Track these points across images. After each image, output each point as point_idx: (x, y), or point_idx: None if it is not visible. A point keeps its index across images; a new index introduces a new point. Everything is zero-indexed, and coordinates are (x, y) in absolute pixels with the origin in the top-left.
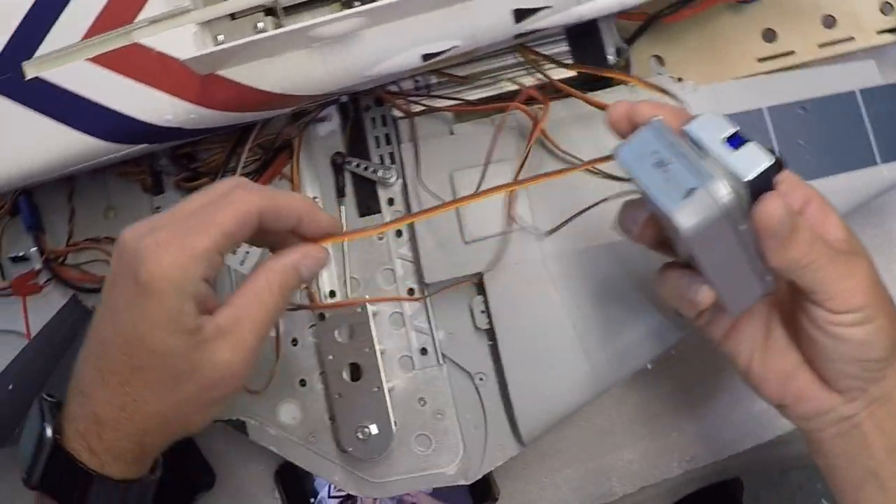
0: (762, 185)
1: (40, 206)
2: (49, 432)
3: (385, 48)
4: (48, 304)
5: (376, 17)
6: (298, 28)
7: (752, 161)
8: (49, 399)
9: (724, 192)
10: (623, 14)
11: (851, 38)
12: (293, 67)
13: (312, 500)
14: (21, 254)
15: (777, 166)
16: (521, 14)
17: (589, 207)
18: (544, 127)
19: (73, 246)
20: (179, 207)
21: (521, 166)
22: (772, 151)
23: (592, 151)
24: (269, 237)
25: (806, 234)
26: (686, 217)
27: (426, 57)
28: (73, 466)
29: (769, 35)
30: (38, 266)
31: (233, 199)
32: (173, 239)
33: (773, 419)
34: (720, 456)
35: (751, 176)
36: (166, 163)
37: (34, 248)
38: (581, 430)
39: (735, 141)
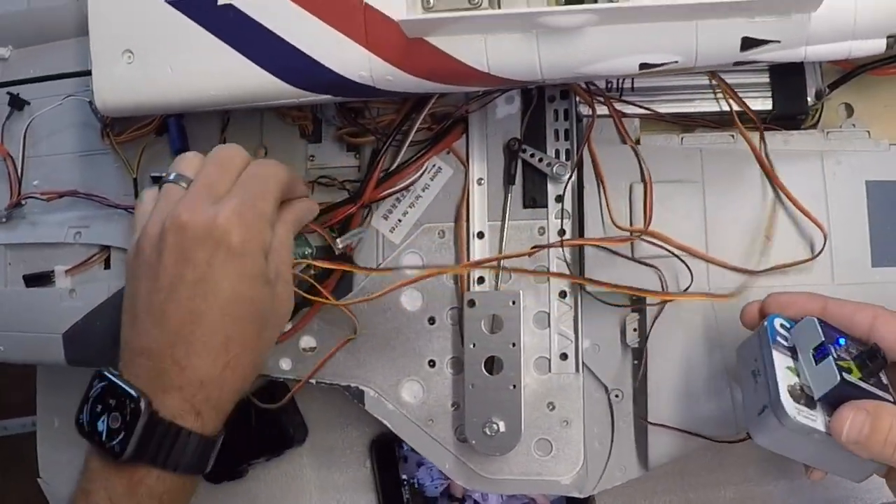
0: (838, 397)
1: (189, 131)
2: (143, 404)
3: (607, 50)
4: None
5: (610, 17)
6: (526, 13)
7: (825, 379)
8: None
9: (789, 413)
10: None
11: None
12: (506, 49)
13: (405, 477)
14: (162, 174)
15: (845, 386)
16: (748, 43)
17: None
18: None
19: None
20: (215, 179)
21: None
22: (862, 356)
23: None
24: None
25: (880, 435)
26: (757, 433)
27: (643, 66)
28: (173, 430)
29: None
30: None
31: (273, 173)
32: (246, 208)
33: None
34: None
35: (819, 395)
36: (332, 113)
37: None
38: (689, 459)
39: (819, 353)
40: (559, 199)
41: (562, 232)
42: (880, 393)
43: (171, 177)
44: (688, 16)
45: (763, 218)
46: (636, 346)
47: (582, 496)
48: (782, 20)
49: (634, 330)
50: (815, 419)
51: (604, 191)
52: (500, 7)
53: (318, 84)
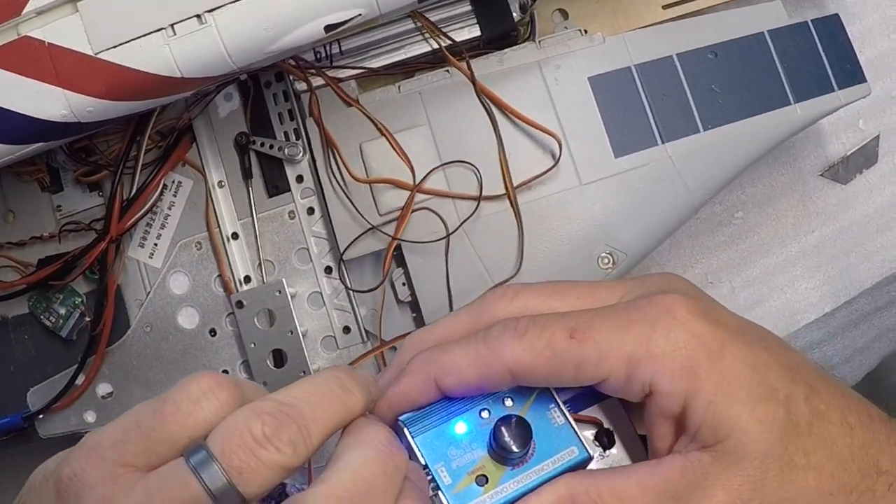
0: None
1: None
2: None
3: (287, 22)
4: None
5: None
6: None
7: None
8: None
9: None
10: None
11: None
12: (190, 50)
13: None
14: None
15: None
16: None
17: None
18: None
19: None
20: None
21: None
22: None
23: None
24: None
25: None
26: None
27: (329, 28)
28: None
29: None
30: None
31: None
32: None
33: None
34: None
35: None
36: (64, 158)
37: None
38: None
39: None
40: (300, 179)
41: (310, 210)
42: (532, 479)
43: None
44: None
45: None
46: (409, 299)
47: None
48: None
49: (403, 284)
50: None
51: (339, 155)
52: None
53: (24, 135)
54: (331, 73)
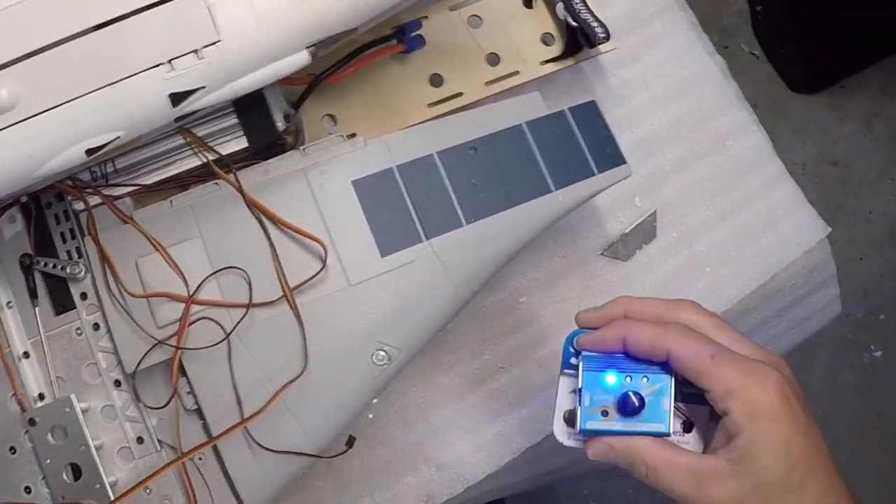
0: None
1: None
2: None
3: (46, 148)
4: None
5: None
6: None
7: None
8: None
9: (558, 437)
10: (286, 80)
11: (516, 73)
12: None
13: None
14: None
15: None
16: (177, 98)
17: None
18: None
19: None
20: None
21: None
22: (619, 402)
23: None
24: None
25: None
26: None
27: (90, 152)
28: None
29: (436, 80)
30: None
31: None
32: None
33: None
34: None
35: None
36: None
37: None
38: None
39: (580, 392)
40: (84, 296)
41: (96, 326)
42: (631, 428)
43: None
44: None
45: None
46: (195, 407)
47: None
48: (196, 66)
49: (188, 393)
50: (581, 440)
51: (112, 271)
52: None
53: None
54: (106, 192)
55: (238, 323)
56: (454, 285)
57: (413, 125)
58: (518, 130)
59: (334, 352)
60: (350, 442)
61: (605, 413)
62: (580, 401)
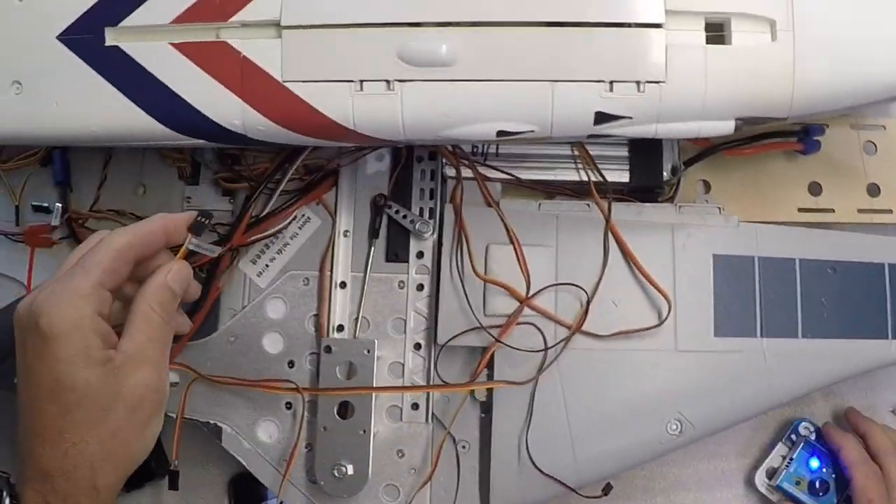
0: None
1: (73, 164)
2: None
3: (466, 115)
4: (55, 261)
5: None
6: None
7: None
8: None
9: (757, 484)
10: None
11: (890, 211)
12: (372, 108)
13: None
14: (45, 204)
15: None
16: (601, 118)
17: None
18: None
19: (97, 213)
20: (59, 268)
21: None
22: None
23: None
24: (152, 262)
25: None
26: None
27: (500, 133)
28: None
29: (815, 188)
30: (55, 222)
31: (104, 242)
32: (60, 286)
33: None
34: None
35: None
36: (210, 157)
37: (58, 204)
38: None
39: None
40: (420, 255)
41: (420, 287)
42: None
43: None
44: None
45: (613, 284)
46: (484, 399)
47: None
48: (635, 97)
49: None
50: (773, 494)
51: (468, 246)
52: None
53: (193, 129)
54: (481, 170)
55: (563, 342)
56: (768, 389)
57: (779, 223)
58: (879, 268)
59: (635, 403)
60: (607, 490)
61: (797, 483)
62: (787, 466)
